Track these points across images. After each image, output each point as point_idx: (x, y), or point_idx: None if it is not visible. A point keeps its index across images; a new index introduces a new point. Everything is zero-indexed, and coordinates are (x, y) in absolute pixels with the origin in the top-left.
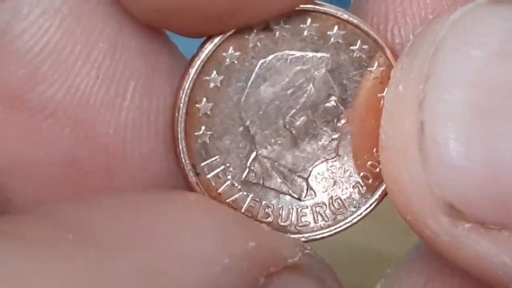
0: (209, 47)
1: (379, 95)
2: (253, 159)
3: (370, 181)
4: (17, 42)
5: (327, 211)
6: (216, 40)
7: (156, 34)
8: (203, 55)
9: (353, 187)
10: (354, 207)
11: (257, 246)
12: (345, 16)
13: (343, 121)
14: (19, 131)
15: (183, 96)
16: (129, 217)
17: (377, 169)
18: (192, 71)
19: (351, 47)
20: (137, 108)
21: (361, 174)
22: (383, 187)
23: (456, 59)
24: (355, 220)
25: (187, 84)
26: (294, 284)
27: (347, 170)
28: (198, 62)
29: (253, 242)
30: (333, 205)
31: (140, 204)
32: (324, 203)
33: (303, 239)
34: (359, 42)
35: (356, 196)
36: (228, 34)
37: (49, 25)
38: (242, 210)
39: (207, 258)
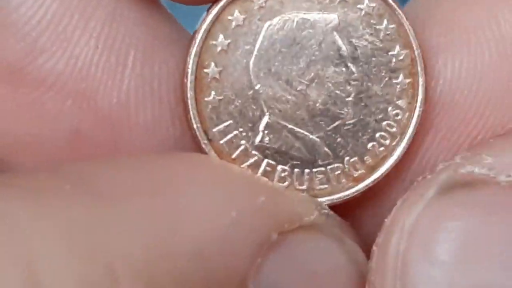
0: (214, 11)
1: (389, 53)
2: (265, 123)
3: (387, 141)
4: (14, 15)
5: (345, 173)
6: (221, 3)
7: (154, 5)
8: (208, 19)
9: (371, 147)
10: (372, 168)
11: (267, 201)
12: None
13: (355, 80)
14: (21, 107)
15: (191, 62)
16: (133, 171)
17: (394, 129)
18: (199, 36)
19: (359, 6)
20: (139, 76)
21: (378, 134)
22: (401, 147)
23: (425, 272)
24: (374, 182)
25: (194, 49)
26: (311, 243)
27: (363, 131)
28: (204, 27)
29: (264, 197)
30: (351, 167)
31: (145, 161)
32: (341, 165)
33: (323, 201)
34: (366, 0)
35: (374, 157)
36: None
37: None
38: (258, 175)
39: (213, 211)
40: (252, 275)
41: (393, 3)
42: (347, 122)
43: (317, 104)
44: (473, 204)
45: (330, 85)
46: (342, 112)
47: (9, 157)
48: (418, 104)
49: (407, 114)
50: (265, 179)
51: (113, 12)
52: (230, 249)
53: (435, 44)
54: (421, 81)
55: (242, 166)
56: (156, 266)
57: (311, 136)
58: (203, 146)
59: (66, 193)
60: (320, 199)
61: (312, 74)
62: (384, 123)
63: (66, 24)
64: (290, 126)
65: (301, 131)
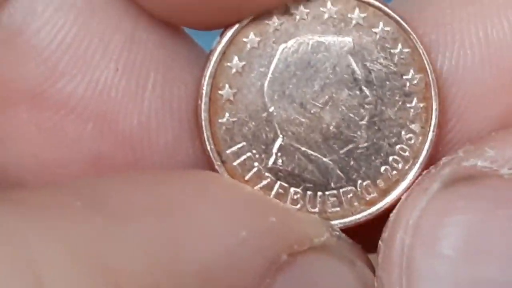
0: (229, 33)
1: (404, 77)
2: (278, 145)
3: (400, 165)
4: (34, 40)
5: (357, 196)
6: (237, 26)
7: (171, 28)
8: (224, 41)
9: (383, 171)
10: (384, 192)
11: (278, 222)
12: None
13: (368, 104)
14: (43, 131)
15: (206, 83)
16: (145, 189)
17: (407, 153)
18: (214, 58)
19: (373, 30)
20: (159, 98)
21: (391, 158)
22: (414, 171)
23: (430, 267)
24: (386, 206)
25: (209, 71)
26: (321, 265)
27: (376, 154)
28: (219, 49)
29: (274, 217)
30: (364, 190)
31: (158, 179)
32: (353, 189)
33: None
34: (381, 24)
35: (386, 181)
36: (248, 19)
37: (64, 21)
38: (271, 197)
39: (223, 230)
40: None
41: (407, 27)
42: (360, 146)
43: (331, 127)
44: (476, 198)
45: (344, 108)
46: (356, 135)
47: (31, 181)
48: (432, 128)
49: (420, 138)
50: (276, 200)
51: (132, 35)
52: (238, 269)
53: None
54: (434, 105)
55: (255, 188)
56: (162, 284)
57: (324, 159)
58: (217, 167)
59: (76, 209)
60: (332, 222)
61: (326, 97)
62: (397, 147)
63: (86, 47)
64: (303, 148)
65: (315, 154)
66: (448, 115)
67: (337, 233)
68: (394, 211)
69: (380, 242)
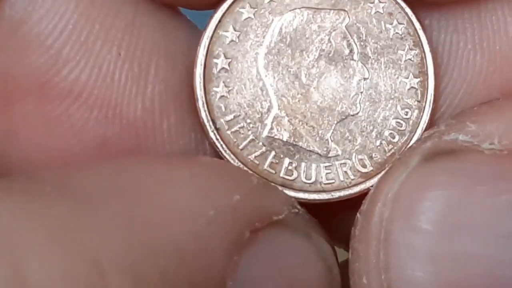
0: (226, 2)
1: (399, 51)
2: (273, 115)
3: (395, 139)
4: (36, 29)
5: (353, 169)
6: None
7: (171, 12)
8: (219, 10)
9: (379, 144)
10: (380, 165)
11: (242, 199)
12: None
13: (365, 77)
14: (49, 121)
15: (201, 51)
16: (113, 174)
17: (402, 127)
18: (209, 27)
19: (369, 3)
20: (162, 81)
21: (386, 131)
22: (410, 145)
23: (408, 240)
24: None
25: (204, 39)
26: (279, 239)
27: (371, 127)
28: (215, 18)
29: (238, 195)
30: (359, 163)
31: (125, 163)
32: (349, 160)
33: (328, 198)
34: None
35: (381, 154)
36: None
37: (65, 9)
38: (265, 167)
39: (192, 211)
40: (230, 273)
41: (403, 2)
42: (355, 118)
43: (326, 99)
44: (456, 172)
45: (339, 79)
46: (350, 107)
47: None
48: (428, 102)
49: (416, 112)
50: (242, 174)
51: (133, 20)
52: (208, 247)
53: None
54: (430, 80)
55: (249, 156)
56: (141, 263)
57: (319, 130)
58: (211, 134)
59: (47, 194)
60: (329, 193)
61: (321, 68)
62: (393, 120)
63: (88, 34)
64: (298, 119)
65: (309, 124)
66: (443, 90)
67: (296, 209)
68: (375, 184)
69: (358, 215)
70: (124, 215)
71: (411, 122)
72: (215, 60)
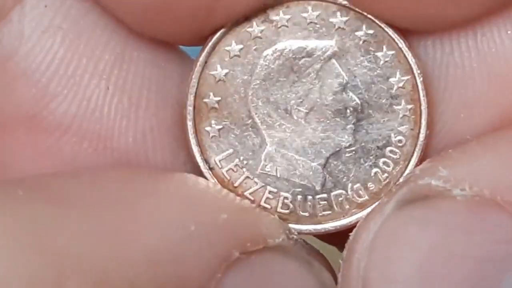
0: (211, 41)
1: (390, 79)
2: (266, 151)
3: (390, 167)
4: (24, 63)
5: (348, 200)
6: (218, 34)
7: (163, 44)
8: (205, 50)
9: (373, 174)
10: (376, 194)
11: (230, 219)
12: (346, 2)
13: (354, 107)
14: (40, 153)
15: (189, 92)
16: (92, 182)
17: (397, 155)
18: (196, 67)
19: (356, 33)
20: (153, 116)
21: (381, 161)
22: (405, 174)
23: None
24: None
25: (192, 80)
26: (277, 265)
27: (365, 157)
28: (201, 58)
29: (226, 214)
30: (354, 194)
31: (111, 174)
32: (344, 191)
33: (325, 229)
34: (364, 27)
35: (376, 183)
36: (227, 27)
37: (52, 43)
38: (261, 203)
39: (172, 223)
40: None
41: (390, 30)
42: (348, 149)
43: (317, 132)
44: (429, 221)
45: (330, 112)
46: (342, 139)
47: None
48: (422, 130)
49: (410, 140)
50: (235, 197)
51: (122, 54)
52: (187, 262)
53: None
54: (423, 107)
55: (245, 193)
56: (106, 269)
57: (312, 164)
58: (206, 174)
59: (18, 197)
60: (325, 225)
61: (311, 102)
62: (387, 149)
63: (75, 68)
64: (290, 154)
65: (302, 158)
66: (437, 117)
67: (295, 236)
68: (354, 231)
69: (340, 261)
70: (95, 221)
71: (405, 150)
72: (204, 100)
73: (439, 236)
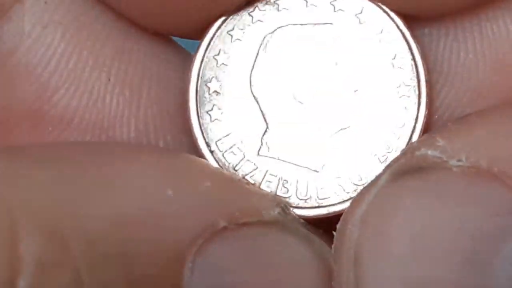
0: (214, 26)
1: (391, 61)
2: (266, 134)
3: (390, 150)
4: (25, 59)
5: (347, 183)
6: (221, 19)
7: (163, 39)
8: (208, 34)
9: (373, 158)
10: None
11: (214, 187)
12: None
13: (355, 90)
14: None
15: (193, 76)
16: (77, 145)
17: (397, 137)
18: (199, 50)
19: (357, 15)
20: (155, 104)
21: (380, 143)
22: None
23: (377, 265)
24: None
25: (195, 63)
26: (274, 239)
27: (365, 141)
28: (204, 42)
29: (209, 182)
30: (353, 177)
31: (97, 144)
32: (343, 175)
33: (324, 213)
34: (363, 9)
35: (376, 167)
36: (230, 12)
37: (52, 38)
38: (261, 186)
39: (146, 188)
40: (192, 255)
41: (391, 13)
42: (349, 132)
43: (319, 116)
44: (424, 193)
45: (331, 96)
46: (344, 121)
47: None
48: (422, 112)
49: (410, 122)
50: (226, 172)
51: (122, 47)
52: (162, 226)
53: None
54: (424, 87)
55: (244, 176)
56: (61, 224)
57: (312, 147)
58: (206, 157)
59: None
60: (325, 209)
61: (312, 86)
62: (388, 131)
63: (76, 62)
64: (291, 136)
65: (302, 141)
66: (439, 101)
67: (292, 213)
68: (351, 201)
69: (334, 232)
70: (56, 176)
71: (405, 132)
72: (207, 84)
73: (433, 208)
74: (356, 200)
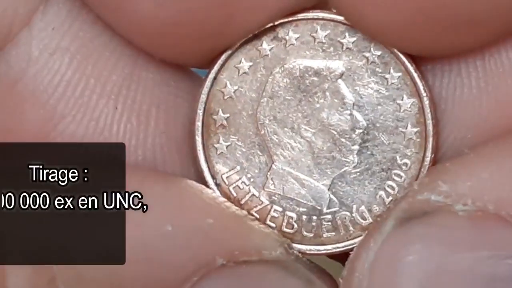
0: (221, 59)
1: (396, 101)
2: (272, 169)
3: (395, 191)
4: (32, 85)
5: (352, 222)
6: (228, 52)
7: (172, 64)
8: (215, 67)
9: (378, 197)
10: (380, 217)
11: (216, 225)
12: None
13: (360, 128)
14: None
15: (199, 108)
16: None
17: (402, 178)
18: (206, 83)
19: (364, 54)
20: (163, 133)
21: (386, 183)
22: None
23: None
24: None
25: (201, 96)
26: (274, 279)
27: (370, 179)
28: (211, 74)
29: (212, 219)
30: (359, 216)
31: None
32: (348, 213)
33: (328, 250)
34: (371, 48)
35: (380, 206)
36: (237, 45)
37: (59, 64)
38: (266, 221)
39: (146, 222)
40: None
41: (399, 53)
42: (353, 171)
43: (322, 152)
44: (431, 240)
45: (335, 133)
46: (348, 160)
47: None
48: (427, 153)
49: (415, 164)
50: (228, 204)
51: (130, 74)
52: (158, 260)
53: None
54: (429, 130)
55: (250, 211)
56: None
57: (316, 184)
58: (212, 189)
59: None
60: (328, 247)
61: (317, 122)
62: (392, 172)
63: (83, 89)
64: (296, 173)
65: (307, 178)
66: (443, 139)
67: (295, 252)
68: (354, 249)
69: (340, 279)
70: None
71: (410, 174)
72: (213, 117)
73: (442, 254)
74: (361, 246)
